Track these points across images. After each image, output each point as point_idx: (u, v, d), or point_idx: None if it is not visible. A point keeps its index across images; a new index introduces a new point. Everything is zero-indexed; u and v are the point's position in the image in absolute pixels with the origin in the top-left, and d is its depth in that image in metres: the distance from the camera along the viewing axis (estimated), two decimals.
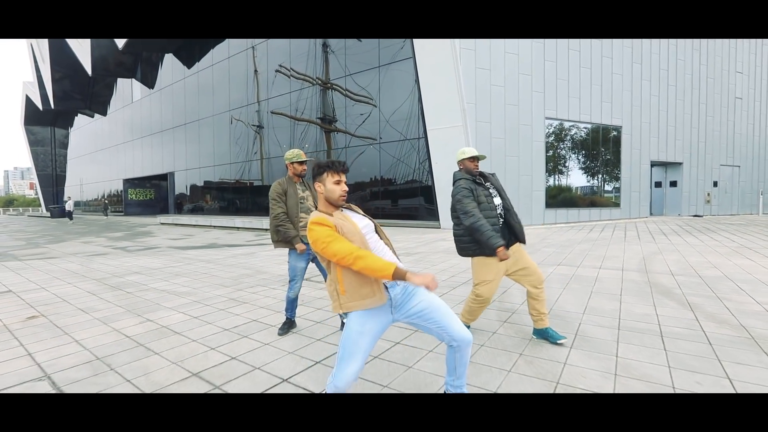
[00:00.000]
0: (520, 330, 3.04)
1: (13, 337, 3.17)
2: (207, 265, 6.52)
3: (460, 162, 2.76)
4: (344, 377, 1.63)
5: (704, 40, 16.32)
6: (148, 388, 2.23)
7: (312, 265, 3.31)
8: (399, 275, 1.52)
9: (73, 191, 37.92)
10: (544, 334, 2.76)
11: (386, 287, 1.67)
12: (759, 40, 18.04)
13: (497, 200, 2.70)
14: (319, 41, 15.53)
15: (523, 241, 2.74)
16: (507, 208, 2.72)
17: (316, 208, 2.61)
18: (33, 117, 38.17)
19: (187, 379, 2.35)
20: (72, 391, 2.22)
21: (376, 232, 1.82)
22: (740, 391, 2.04)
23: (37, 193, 46.18)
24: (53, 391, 2.23)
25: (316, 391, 2.16)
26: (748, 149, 18.26)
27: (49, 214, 30.58)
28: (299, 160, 3.15)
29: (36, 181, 43.29)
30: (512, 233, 2.70)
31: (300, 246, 3.05)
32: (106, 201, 30.41)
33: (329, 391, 1.67)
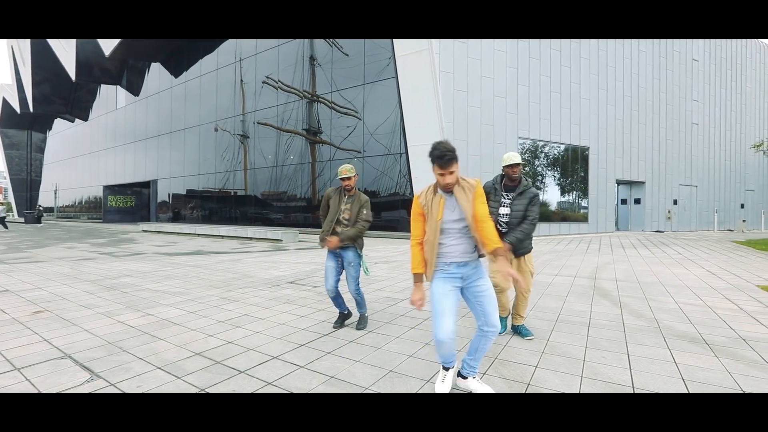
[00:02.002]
0: (473, 324, 3.58)
1: (26, 327, 3.52)
2: (196, 269, 6.88)
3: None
4: (441, 331, 2.00)
5: (663, 70, 17.76)
6: (159, 364, 2.67)
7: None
8: (415, 279, 2.11)
9: (47, 196, 37.05)
10: (517, 330, 3.25)
11: (458, 265, 2.08)
12: (710, 72, 19.68)
13: (503, 210, 3.08)
14: (307, 54, 16.16)
15: (513, 253, 3.07)
16: (512, 221, 3.02)
17: (348, 220, 3.30)
18: (9, 120, 37.39)
19: (191, 357, 2.79)
20: (92, 367, 2.63)
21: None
22: (632, 360, 2.64)
23: (6, 198, 44.64)
24: (76, 367, 2.64)
25: (302, 364, 2.65)
26: (704, 171, 19.72)
27: (23, 220, 29.80)
28: (340, 176, 3.33)
29: (7, 185, 42.05)
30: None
31: (332, 240, 3.21)
32: (41, 207, 30.10)
33: (437, 345, 2.07)
